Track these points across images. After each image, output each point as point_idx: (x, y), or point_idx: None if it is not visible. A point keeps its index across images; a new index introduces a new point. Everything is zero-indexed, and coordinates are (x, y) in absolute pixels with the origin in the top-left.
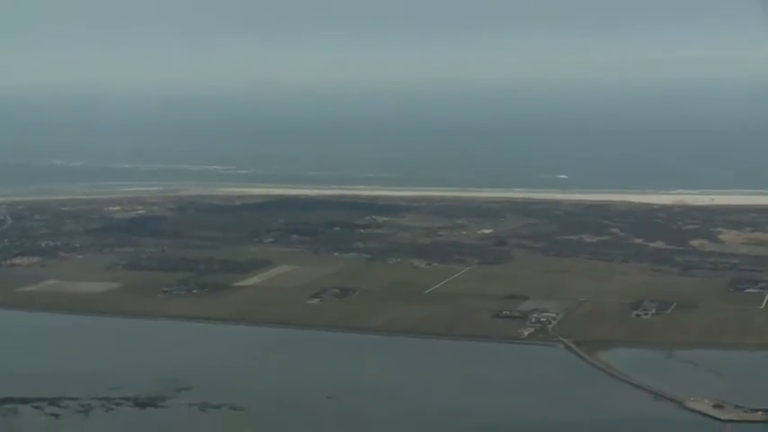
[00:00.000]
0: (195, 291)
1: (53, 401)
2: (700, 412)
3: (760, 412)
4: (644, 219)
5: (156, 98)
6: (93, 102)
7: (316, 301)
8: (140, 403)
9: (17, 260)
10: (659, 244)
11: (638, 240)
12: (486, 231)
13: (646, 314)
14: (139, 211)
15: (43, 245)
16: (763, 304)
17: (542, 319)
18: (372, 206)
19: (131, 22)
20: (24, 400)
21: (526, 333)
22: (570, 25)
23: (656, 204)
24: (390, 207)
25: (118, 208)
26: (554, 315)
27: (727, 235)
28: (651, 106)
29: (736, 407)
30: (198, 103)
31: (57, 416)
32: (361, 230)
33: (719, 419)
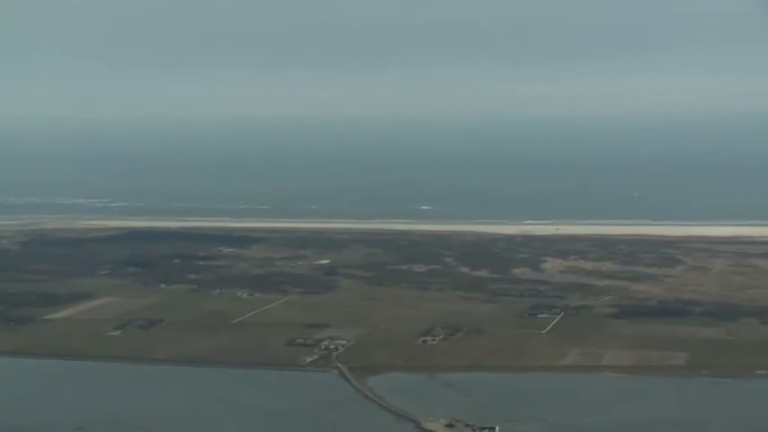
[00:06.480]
0: None
1: None
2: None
3: (486, 430)
4: (482, 248)
5: (62, 131)
6: None
7: (118, 332)
8: None
9: None
10: (483, 272)
11: (465, 269)
12: (324, 262)
13: (433, 340)
14: None
15: None
16: (547, 329)
17: (331, 347)
18: (225, 238)
19: (43, 54)
20: None
21: (309, 360)
22: (432, 60)
23: (501, 234)
24: (243, 238)
25: None
26: (344, 342)
27: (551, 263)
28: (529, 139)
29: (467, 425)
30: (104, 137)
31: None
32: (201, 262)
33: None
